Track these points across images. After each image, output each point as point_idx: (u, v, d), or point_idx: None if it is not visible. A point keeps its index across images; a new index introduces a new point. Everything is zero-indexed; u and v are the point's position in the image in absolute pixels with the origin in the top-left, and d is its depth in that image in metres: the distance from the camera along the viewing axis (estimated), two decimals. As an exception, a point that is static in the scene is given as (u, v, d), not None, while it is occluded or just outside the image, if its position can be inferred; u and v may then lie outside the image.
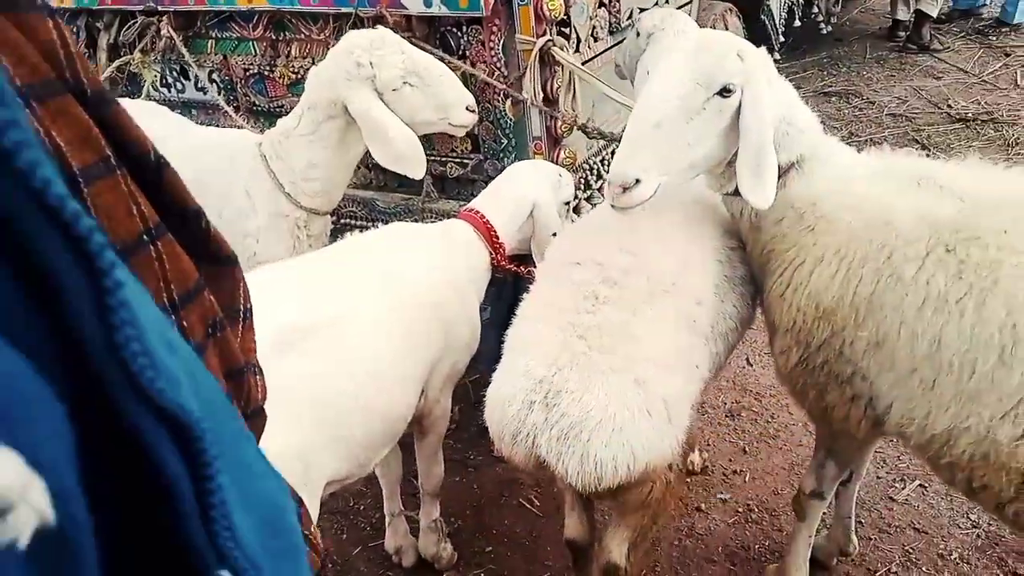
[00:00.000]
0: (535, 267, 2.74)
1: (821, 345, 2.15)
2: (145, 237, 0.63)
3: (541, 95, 2.98)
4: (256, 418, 0.84)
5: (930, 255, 1.92)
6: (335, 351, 2.12)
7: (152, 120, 3.30)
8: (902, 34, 7.64)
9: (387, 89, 2.64)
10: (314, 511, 2.11)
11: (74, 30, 4.04)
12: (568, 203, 2.97)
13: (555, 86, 3.04)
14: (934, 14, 7.37)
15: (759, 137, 2.06)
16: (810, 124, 2.24)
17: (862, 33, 8.23)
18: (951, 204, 1.97)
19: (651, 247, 2.20)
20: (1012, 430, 1.78)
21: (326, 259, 2.46)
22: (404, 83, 2.64)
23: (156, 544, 0.48)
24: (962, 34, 7.82)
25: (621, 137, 2.53)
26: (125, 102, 3.01)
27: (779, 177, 2.11)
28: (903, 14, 7.61)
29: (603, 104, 3.40)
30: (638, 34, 2.82)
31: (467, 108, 2.79)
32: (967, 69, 7.01)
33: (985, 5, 8.13)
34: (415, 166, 2.70)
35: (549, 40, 2.88)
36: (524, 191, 2.80)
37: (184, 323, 0.67)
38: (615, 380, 1.88)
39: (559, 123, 3.09)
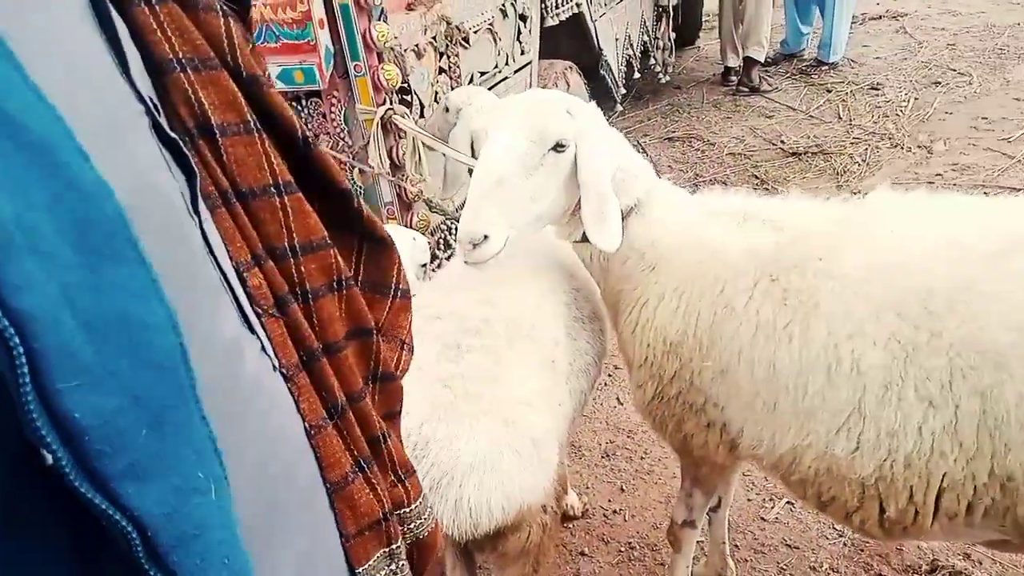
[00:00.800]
0: None
1: (672, 377, 2.23)
2: (272, 188, 0.80)
3: (388, 162, 3.03)
4: (387, 382, 1.04)
5: (757, 286, 2.03)
6: None
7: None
8: (734, 78, 8.21)
9: None
10: None
11: None
12: (424, 265, 3.00)
13: (400, 152, 3.10)
14: (761, 59, 7.99)
15: (597, 187, 2.17)
16: (643, 169, 2.36)
17: (698, 80, 8.77)
18: (773, 236, 2.10)
19: (506, 297, 2.26)
20: (847, 443, 1.88)
21: None
22: None
23: None
24: (788, 75, 8.46)
25: (461, 211, 2.76)
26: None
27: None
28: (732, 61, 8.20)
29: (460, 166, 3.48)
30: (447, 109, 2.96)
31: None
32: (795, 107, 7.57)
33: (805, 48, 8.84)
34: None
35: (389, 108, 2.94)
36: None
37: (303, 268, 0.84)
38: (484, 422, 1.90)
39: (408, 189, 3.14)
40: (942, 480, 1.79)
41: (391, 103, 3.03)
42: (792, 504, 3.29)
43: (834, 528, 3.15)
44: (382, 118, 2.95)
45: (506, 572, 2.20)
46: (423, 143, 3.08)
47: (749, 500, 3.33)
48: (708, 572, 2.98)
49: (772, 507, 3.28)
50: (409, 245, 2.92)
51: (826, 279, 1.93)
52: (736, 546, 3.11)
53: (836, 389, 1.87)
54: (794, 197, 2.26)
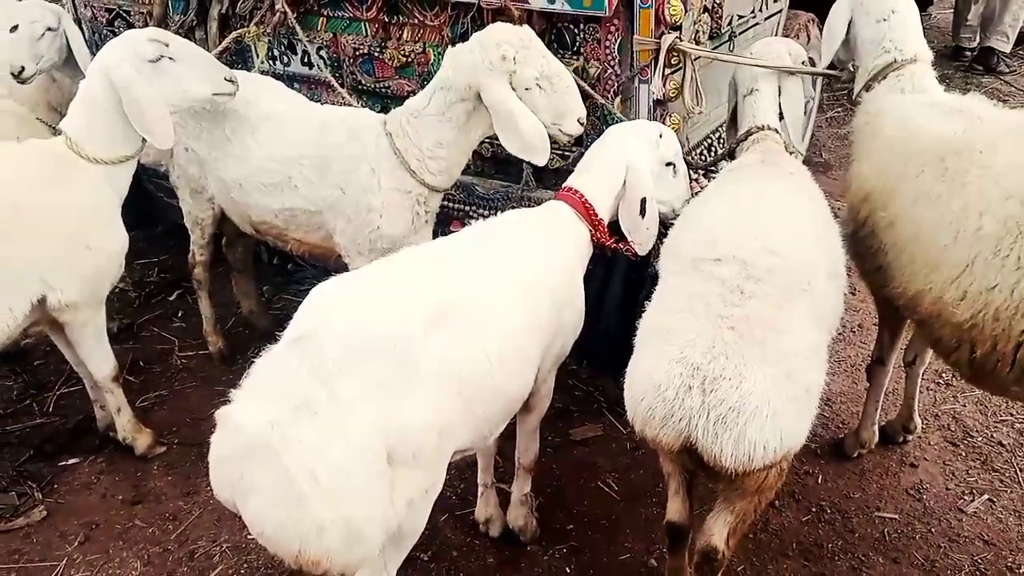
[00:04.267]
0: (632, 243, 2.85)
1: (863, 221, 2.82)
2: None
3: (663, 91, 3.09)
4: None
5: (929, 162, 2.54)
6: (474, 331, 2.24)
7: (270, 96, 3.44)
8: (968, 54, 7.67)
9: (520, 86, 2.77)
10: (441, 479, 2.25)
11: (186, -1, 4.18)
12: (671, 164, 2.99)
13: (668, 85, 3.16)
14: (1007, 50, 7.37)
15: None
16: (910, 37, 2.95)
17: (926, 50, 8.24)
18: (961, 127, 2.57)
19: (787, 247, 2.35)
20: (955, 293, 2.38)
21: (455, 245, 2.57)
22: (536, 84, 2.79)
23: None
24: (1028, 58, 7.83)
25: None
26: (241, 74, 3.17)
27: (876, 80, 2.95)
28: (967, 42, 7.62)
29: (710, 96, 3.54)
30: None
31: (579, 120, 2.93)
32: (1033, 94, 7.04)
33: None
34: (542, 155, 2.83)
35: (678, 36, 2.99)
36: (617, 157, 2.86)
37: None
38: (768, 369, 2.03)
39: (669, 120, 3.21)
40: (1021, 334, 2.26)
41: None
42: (993, 501, 3.25)
43: (1035, 534, 3.10)
44: (669, 47, 3.01)
45: (731, 505, 2.32)
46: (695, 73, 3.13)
47: (948, 489, 3.31)
48: (896, 423, 3.51)
49: (972, 500, 3.25)
50: (653, 140, 2.94)
51: (976, 165, 2.41)
52: (930, 531, 3.12)
53: (957, 249, 2.37)
54: (995, 106, 2.72)
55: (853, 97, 3.15)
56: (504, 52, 2.73)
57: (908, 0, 3.04)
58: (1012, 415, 3.66)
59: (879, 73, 2.96)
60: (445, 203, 3.66)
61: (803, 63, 3.21)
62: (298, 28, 3.73)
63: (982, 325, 2.34)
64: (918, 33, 3.00)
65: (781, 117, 3.13)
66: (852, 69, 3.20)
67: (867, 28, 3.02)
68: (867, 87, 3.01)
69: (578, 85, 3.22)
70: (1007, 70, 7.45)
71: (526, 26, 2.93)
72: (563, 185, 2.90)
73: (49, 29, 3.83)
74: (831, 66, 3.27)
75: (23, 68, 3.77)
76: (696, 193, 3.07)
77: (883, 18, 2.98)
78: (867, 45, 3.03)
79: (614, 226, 2.89)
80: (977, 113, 2.65)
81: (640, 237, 2.82)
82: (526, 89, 2.79)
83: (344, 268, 3.02)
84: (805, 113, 3.26)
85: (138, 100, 2.95)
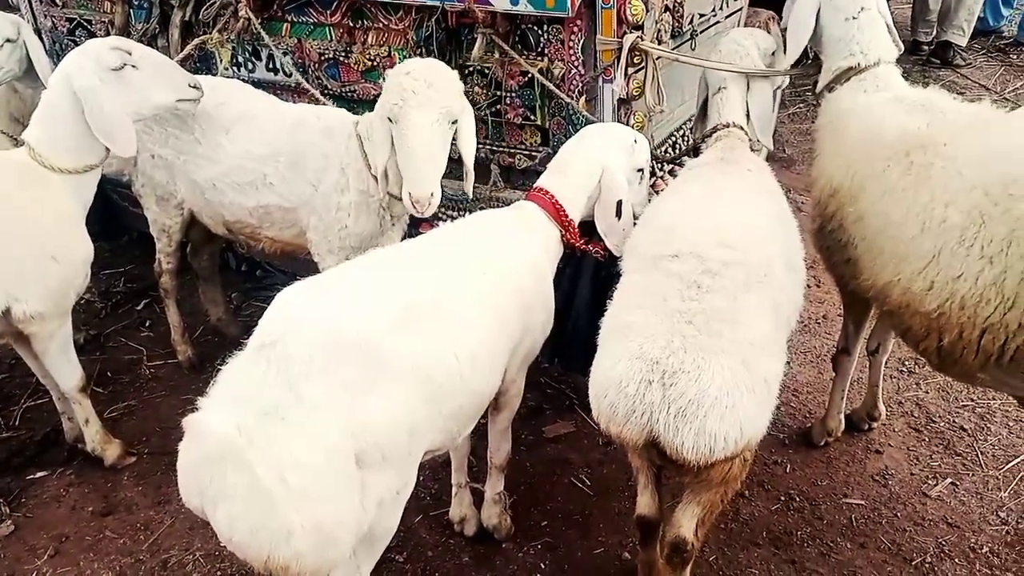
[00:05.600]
0: (603, 243, 2.88)
1: (831, 216, 2.88)
2: None
3: (626, 90, 3.13)
4: None
5: (894, 156, 2.61)
6: (442, 332, 2.26)
7: (242, 97, 3.44)
8: (925, 48, 7.81)
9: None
10: (412, 480, 2.26)
11: (146, 6, 4.16)
12: (641, 170, 3.03)
13: (631, 84, 3.19)
14: (963, 43, 7.50)
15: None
16: (878, 42, 2.93)
17: (885, 46, 8.38)
18: (924, 121, 2.65)
19: (743, 240, 2.39)
20: (923, 283, 2.45)
21: (423, 246, 2.59)
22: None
23: None
24: (983, 51, 8.00)
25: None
26: (207, 79, 3.19)
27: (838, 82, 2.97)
28: (924, 36, 7.76)
29: (670, 93, 3.55)
30: None
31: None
32: (988, 86, 7.18)
33: (1004, 26, 8.31)
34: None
35: (639, 36, 3.03)
36: (592, 158, 2.89)
37: None
38: (725, 360, 2.07)
39: (633, 118, 3.24)
40: (985, 321, 2.33)
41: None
42: (955, 484, 3.32)
43: (997, 514, 3.18)
44: (631, 46, 3.04)
45: (698, 496, 2.36)
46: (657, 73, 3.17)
47: (912, 474, 3.38)
48: (860, 411, 3.59)
49: (935, 484, 3.32)
50: (627, 144, 2.97)
51: (940, 158, 2.48)
52: (895, 515, 3.19)
53: (924, 240, 2.44)
54: (945, 94, 2.78)
55: (815, 91, 3.18)
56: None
57: None
58: (973, 400, 3.75)
59: (842, 75, 2.98)
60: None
61: (772, 54, 3.26)
62: (263, 34, 3.72)
63: (949, 314, 2.41)
64: (885, 32, 2.99)
65: (749, 115, 3.19)
66: (816, 57, 3.18)
67: (834, 25, 2.99)
68: (829, 88, 3.03)
69: (544, 85, 3.27)
70: (963, 63, 7.60)
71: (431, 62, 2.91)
72: (534, 185, 2.92)
73: (8, 40, 3.79)
74: (797, 61, 3.19)
75: (-19, 79, 3.73)
76: (658, 191, 3.11)
77: (852, 16, 2.95)
78: (833, 44, 3.01)
79: (584, 226, 2.92)
80: (939, 107, 2.70)
81: (616, 239, 2.86)
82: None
83: (314, 271, 3.02)
84: (773, 110, 3.30)
85: (101, 108, 2.94)
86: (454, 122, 2.80)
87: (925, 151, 2.54)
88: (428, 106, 2.71)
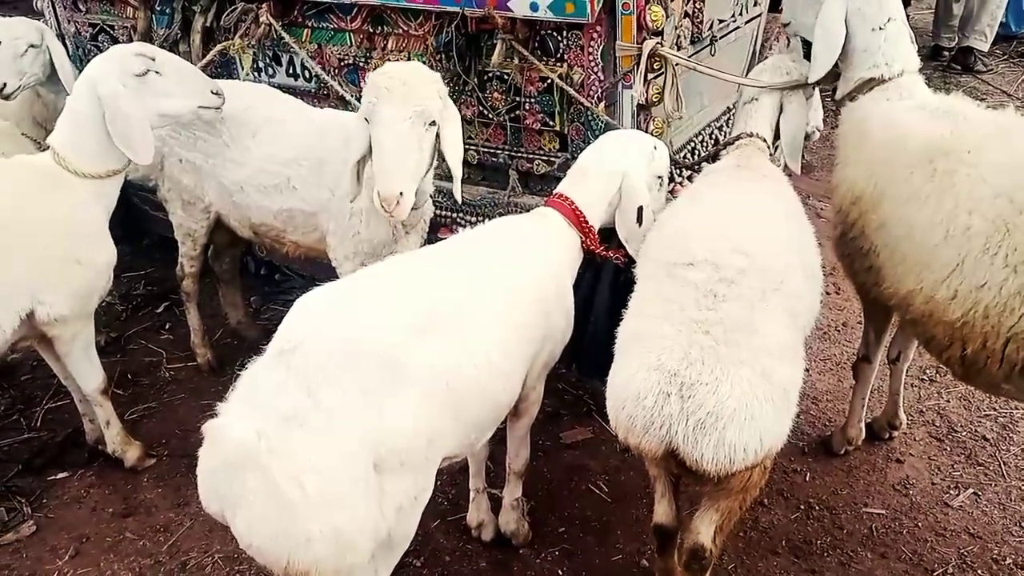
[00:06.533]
0: (623, 249, 2.88)
1: (853, 223, 2.86)
2: None
3: (645, 96, 3.12)
4: None
5: (918, 163, 2.58)
6: (461, 339, 2.26)
7: (271, 102, 3.48)
8: (946, 54, 7.75)
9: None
10: (430, 485, 2.26)
11: (168, 12, 4.19)
12: (661, 177, 3.02)
13: (650, 90, 3.19)
14: (985, 48, 7.45)
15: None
16: (901, 56, 2.89)
17: (905, 51, 8.32)
18: (948, 128, 2.61)
19: (759, 247, 2.37)
20: (946, 292, 2.44)
21: (442, 252, 2.59)
22: None
23: None
24: (1005, 57, 7.93)
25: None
26: (237, 84, 3.20)
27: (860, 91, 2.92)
28: (946, 42, 7.71)
29: (689, 99, 3.57)
30: None
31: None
32: (1010, 92, 7.12)
33: (1028, 31, 8.23)
34: None
35: (659, 42, 3.02)
36: (613, 166, 2.88)
37: None
38: (744, 371, 2.05)
39: (652, 124, 3.24)
40: (1009, 331, 2.31)
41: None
42: (978, 495, 3.29)
43: (1021, 525, 3.14)
44: (650, 52, 3.04)
45: (716, 504, 2.35)
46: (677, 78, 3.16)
47: (934, 484, 3.35)
48: (881, 419, 3.55)
49: (957, 494, 3.29)
50: (647, 152, 2.96)
51: (965, 165, 2.46)
52: (916, 525, 3.16)
53: (947, 248, 2.43)
54: (980, 107, 2.75)
55: (835, 98, 3.15)
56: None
57: (900, 6, 2.98)
58: (995, 410, 3.71)
59: (864, 85, 2.93)
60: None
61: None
62: (287, 37, 3.75)
63: (973, 323, 2.39)
64: (909, 43, 2.96)
65: (779, 134, 3.19)
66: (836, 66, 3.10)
67: (862, 36, 2.91)
68: (851, 97, 2.99)
69: (564, 90, 3.27)
70: (985, 69, 7.54)
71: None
72: (554, 191, 2.92)
73: (32, 46, 3.84)
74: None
75: (5, 84, 3.79)
76: (675, 196, 3.10)
77: (879, 26, 2.89)
78: (859, 54, 2.94)
79: (604, 232, 2.92)
80: (963, 114, 2.67)
81: (637, 245, 2.83)
82: None
83: (333, 276, 3.03)
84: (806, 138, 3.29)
85: (122, 114, 2.97)
86: (432, 124, 2.73)
87: (949, 158, 2.52)
88: (400, 104, 2.66)
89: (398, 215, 2.69)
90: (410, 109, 2.66)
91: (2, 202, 2.95)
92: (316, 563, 1.87)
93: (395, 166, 2.67)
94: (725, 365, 2.06)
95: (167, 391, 4.08)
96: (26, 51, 3.82)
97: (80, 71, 3.16)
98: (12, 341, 3.02)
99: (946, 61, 7.71)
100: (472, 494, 3.09)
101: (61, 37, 4.55)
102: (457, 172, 2.85)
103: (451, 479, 3.35)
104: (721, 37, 4.10)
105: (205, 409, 2.38)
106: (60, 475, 3.56)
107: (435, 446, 2.20)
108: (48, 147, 3.10)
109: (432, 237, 3.40)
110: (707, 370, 2.05)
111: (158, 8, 4.24)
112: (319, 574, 1.89)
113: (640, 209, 2.84)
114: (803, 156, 6.20)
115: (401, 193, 2.65)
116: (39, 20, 4.14)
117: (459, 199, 2.93)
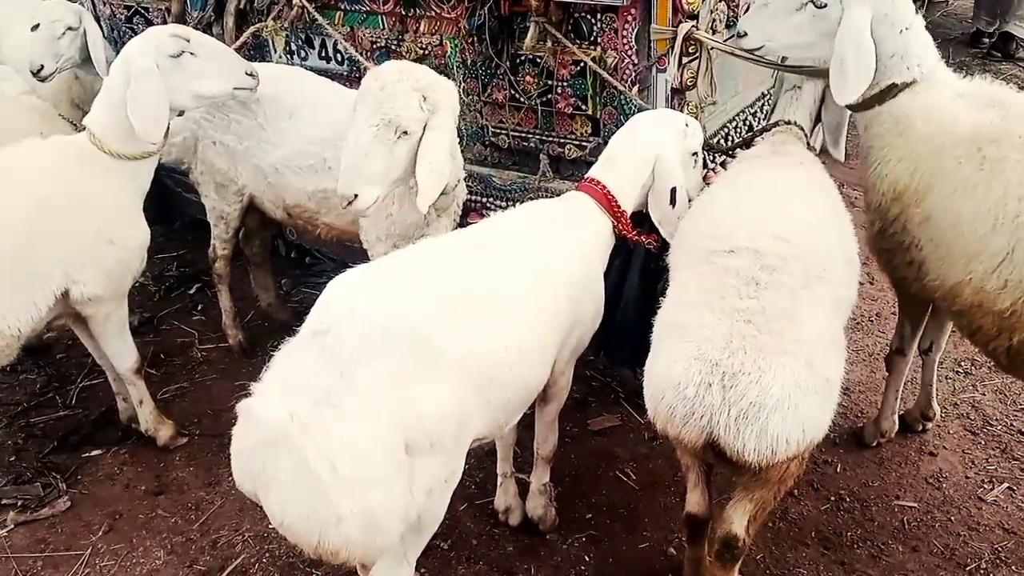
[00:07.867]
0: (656, 233, 2.85)
1: (894, 219, 2.78)
2: None
3: (679, 79, 3.09)
4: None
5: (967, 153, 2.51)
6: (491, 323, 2.26)
7: (308, 83, 3.50)
8: (986, 41, 7.58)
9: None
10: (460, 468, 2.26)
11: (202, -6, 4.20)
12: (695, 153, 2.99)
13: (684, 74, 3.15)
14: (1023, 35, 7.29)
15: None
16: (926, 54, 2.74)
17: (944, 37, 8.14)
18: (997, 116, 2.54)
19: (801, 235, 2.33)
20: (996, 281, 2.40)
21: (473, 236, 2.58)
22: None
23: None
24: (1048, 44, 7.73)
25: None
26: (272, 67, 3.19)
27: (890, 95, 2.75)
28: (986, 26, 7.53)
29: (723, 84, 3.53)
30: None
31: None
32: (1053, 80, 6.95)
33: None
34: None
35: (694, 25, 2.98)
36: (645, 147, 2.84)
37: None
38: (787, 360, 2.02)
39: (686, 109, 3.20)
40: None
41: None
42: (1013, 489, 3.23)
43: (1057, 523, 3.09)
44: (685, 35, 3.00)
45: (751, 494, 2.33)
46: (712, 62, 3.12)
47: (967, 477, 3.30)
48: (914, 411, 3.50)
49: (991, 489, 3.24)
50: (680, 129, 2.93)
51: (1016, 151, 2.41)
52: (949, 519, 3.11)
53: (997, 237, 2.39)
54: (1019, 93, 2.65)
55: (859, 106, 2.84)
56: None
57: (911, 4, 2.83)
58: (1032, 404, 3.64)
59: (894, 89, 2.75)
60: (462, 195, 3.69)
61: None
62: (321, 19, 3.75)
63: (1022, 312, 2.39)
64: (930, 38, 2.82)
65: (818, 120, 3.13)
66: None
67: (889, 40, 2.72)
68: (879, 100, 2.78)
69: (597, 74, 3.24)
70: (1026, 56, 7.36)
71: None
72: (586, 176, 2.90)
73: (69, 28, 3.87)
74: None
75: (42, 66, 3.81)
76: (709, 184, 3.06)
77: (906, 27, 2.74)
78: (886, 59, 2.73)
79: (636, 217, 2.89)
80: (1009, 101, 2.61)
81: (671, 228, 2.80)
82: None
83: (363, 258, 3.04)
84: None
85: (143, 90, 2.97)
86: (404, 134, 2.68)
87: (999, 145, 2.46)
88: (371, 110, 2.66)
89: (354, 212, 2.73)
90: (378, 117, 2.66)
91: (38, 182, 2.98)
92: (346, 543, 1.88)
93: (354, 167, 2.68)
94: (768, 355, 2.03)
95: (199, 371, 4.13)
96: (64, 33, 3.86)
97: (116, 53, 3.18)
98: (47, 319, 3.07)
99: (986, 48, 7.53)
100: (500, 479, 3.09)
101: (97, 19, 4.58)
102: (422, 182, 2.71)
103: (479, 463, 3.36)
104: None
105: (236, 390, 2.41)
106: (94, 452, 3.62)
107: (465, 429, 2.20)
108: (85, 128, 3.13)
109: (462, 222, 3.39)
110: (749, 359, 2.03)
111: (192, -10, 4.27)
112: (349, 554, 1.91)
113: (673, 191, 2.80)
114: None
115: (356, 195, 2.67)
116: (76, 2, 4.17)
117: (423, 210, 2.79)
